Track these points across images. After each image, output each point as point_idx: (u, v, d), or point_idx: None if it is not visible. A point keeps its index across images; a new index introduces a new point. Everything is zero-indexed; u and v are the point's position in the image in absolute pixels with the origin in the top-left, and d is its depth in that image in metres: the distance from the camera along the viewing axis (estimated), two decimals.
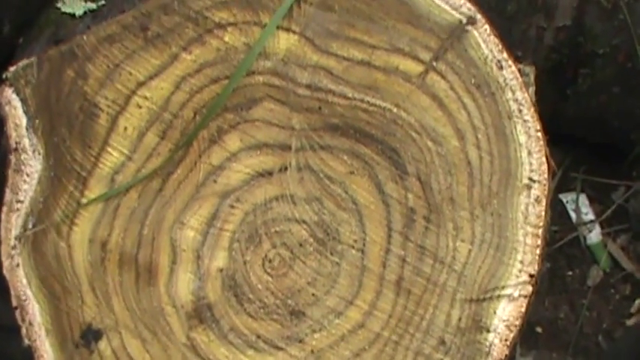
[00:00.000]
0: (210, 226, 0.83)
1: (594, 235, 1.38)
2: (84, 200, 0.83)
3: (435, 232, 0.82)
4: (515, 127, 0.82)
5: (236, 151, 0.83)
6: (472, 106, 0.82)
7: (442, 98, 0.81)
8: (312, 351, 0.82)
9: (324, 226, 0.83)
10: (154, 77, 0.82)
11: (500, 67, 0.82)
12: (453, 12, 0.81)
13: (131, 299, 0.83)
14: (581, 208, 1.39)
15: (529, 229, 0.82)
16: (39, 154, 0.83)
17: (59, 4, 0.92)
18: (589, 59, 1.21)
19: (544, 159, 0.82)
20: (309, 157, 0.82)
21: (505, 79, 0.82)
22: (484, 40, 0.82)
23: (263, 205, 0.83)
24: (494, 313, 0.81)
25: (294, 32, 0.81)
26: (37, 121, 0.83)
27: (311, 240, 0.83)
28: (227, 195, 0.83)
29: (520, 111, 0.82)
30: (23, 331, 0.83)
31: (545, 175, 0.82)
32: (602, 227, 1.38)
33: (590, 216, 1.39)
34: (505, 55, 0.82)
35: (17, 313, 0.83)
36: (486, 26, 0.81)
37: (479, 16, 0.81)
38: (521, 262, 0.82)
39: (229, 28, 0.81)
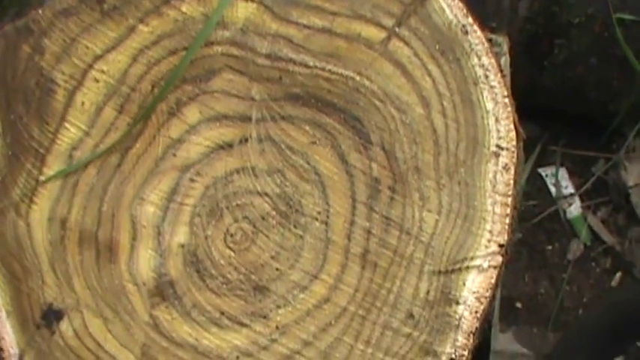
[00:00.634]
0: (170, 201, 0.81)
1: (574, 209, 1.37)
2: (42, 178, 0.81)
3: (400, 203, 0.80)
4: (482, 94, 0.80)
5: (195, 124, 0.81)
6: (437, 73, 0.79)
7: (406, 65, 0.79)
8: (277, 327, 0.80)
9: (286, 199, 0.81)
10: (110, 50, 0.80)
11: (466, 32, 0.80)
12: None
13: (92, 278, 0.81)
14: (560, 181, 1.37)
15: (498, 197, 0.80)
16: None
17: None
18: (564, 29, 1.19)
19: (512, 126, 0.80)
20: (270, 128, 0.80)
21: (470, 44, 0.80)
22: (448, 4, 0.80)
23: (224, 179, 0.81)
24: (464, 284, 0.79)
25: (252, 1, 0.79)
26: None
27: (273, 213, 0.81)
28: (187, 169, 0.81)
29: (487, 77, 0.80)
30: None
31: (514, 143, 0.80)
32: (582, 200, 1.37)
33: (570, 189, 1.37)
34: (470, 19, 0.80)
35: None
36: None
37: None
38: (490, 231, 0.80)
39: None
